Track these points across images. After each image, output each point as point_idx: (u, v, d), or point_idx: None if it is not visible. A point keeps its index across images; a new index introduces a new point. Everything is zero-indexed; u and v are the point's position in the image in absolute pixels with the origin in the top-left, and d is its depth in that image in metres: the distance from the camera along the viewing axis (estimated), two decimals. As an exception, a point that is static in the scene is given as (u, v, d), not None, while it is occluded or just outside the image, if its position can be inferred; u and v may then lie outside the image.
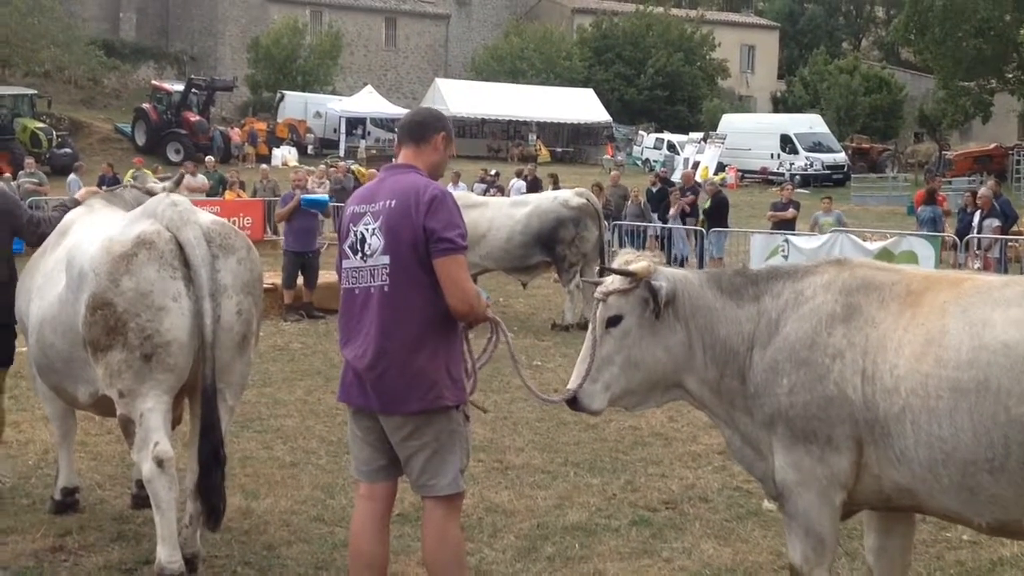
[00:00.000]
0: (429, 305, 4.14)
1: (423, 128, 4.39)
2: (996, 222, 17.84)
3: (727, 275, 4.42)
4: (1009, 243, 17.86)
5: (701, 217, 20.10)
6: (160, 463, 4.85)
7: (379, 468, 4.36)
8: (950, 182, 34.52)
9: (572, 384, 4.32)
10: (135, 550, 5.53)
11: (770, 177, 42.87)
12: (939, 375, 3.67)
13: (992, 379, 3.55)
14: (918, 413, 3.70)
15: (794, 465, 4.00)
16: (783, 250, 18.07)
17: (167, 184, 6.20)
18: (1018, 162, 39.60)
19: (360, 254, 4.23)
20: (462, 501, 4.44)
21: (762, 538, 5.94)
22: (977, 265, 17.08)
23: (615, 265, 4.41)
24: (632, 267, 4.33)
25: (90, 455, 7.26)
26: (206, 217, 5.26)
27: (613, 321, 4.30)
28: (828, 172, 43.59)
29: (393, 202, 4.18)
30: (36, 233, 6.18)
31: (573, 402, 4.32)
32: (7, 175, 22.69)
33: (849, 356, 3.91)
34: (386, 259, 4.16)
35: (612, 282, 4.34)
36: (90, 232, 5.39)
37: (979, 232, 17.77)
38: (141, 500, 5.90)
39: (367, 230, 4.22)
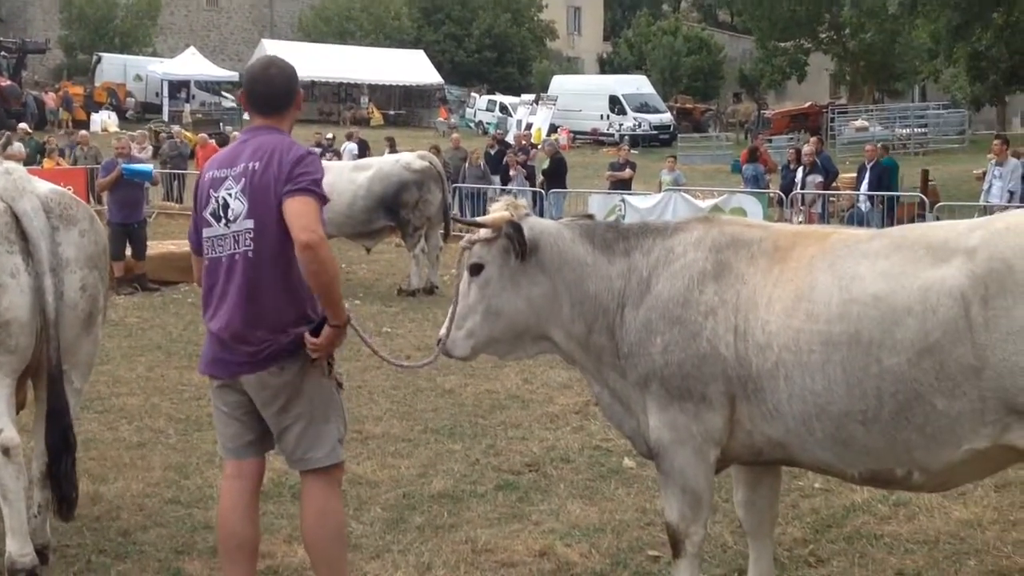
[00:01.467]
0: (295, 268, 3.94)
1: (287, 95, 4.15)
2: (819, 178, 18.56)
3: (600, 228, 4.41)
4: (830, 198, 18.62)
5: (540, 179, 20.24)
6: (6, 451, 4.55)
7: (247, 444, 4.18)
8: (770, 140, 35.82)
9: (441, 332, 4.36)
10: (-22, 544, 5.18)
11: (601, 138, 43.55)
12: (810, 329, 3.74)
13: (863, 331, 3.64)
14: (791, 368, 3.77)
15: (669, 424, 4.03)
16: (620, 210, 18.42)
17: None
18: (832, 120, 41.36)
19: (223, 220, 4.01)
20: (342, 473, 4.32)
21: (626, 496, 6.02)
22: (800, 219, 17.75)
23: (483, 216, 4.38)
24: (483, 218, 4.38)
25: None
26: (44, 186, 4.92)
27: (475, 269, 4.31)
28: (655, 132, 44.59)
29: (256, 164, 3.97)
30: None
31: (441, 347, 4.38)
32: None
33: (721, 313, 3.95)
34: (250, 223, 3.95)
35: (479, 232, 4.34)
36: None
37: (803, 188, 18.46)
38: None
39: (229, 195, 4.00)
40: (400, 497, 5.98)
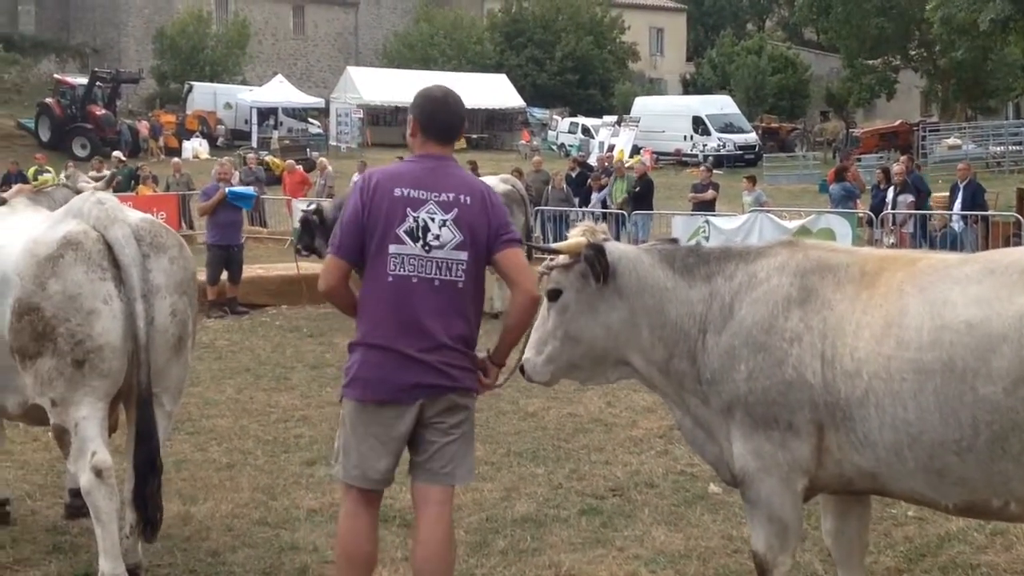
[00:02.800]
0: (483, 298, 4.31)
1: (462, 124, 4.33)
2: (910, 198, 18.18)
3: (681, 253, 4.37)
4: (922, 218, 18.22)
5: (619, 200, 20.18)
6: (99, 473, 4.65)
7: (390, 475, 4.18)
8: (859, 159, 35.21)
9: (524, 355, 4.40)
10: (73, 562, 5.32)
11: (684, 159, 43.30)
12: (901, 357, 3.65)
13: (956, 359, 3.54)
14: (881, 396, 3.68)
15: (754, 452, 3.96)
16: (704, 231, 18.25)
17: (99, 183, 5.95)
18: (923, 138, 40.54)
19: (422, 242, 4.03)
20: None
21: (712, 522, 5.93)
22: (891, 241, 17.41)
23: (557, 242, 4.42)
24: (560, 244, 4.40)
25: (16, 464, 6.98)
26: (135, 215, 5.05)
27: (553, 295, 4.31)
28: (740, 152, 44.17)
29: (469, 199, 4.08)
30: None
31: (523, 371, 4.43)
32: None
33: (807, 340, 3.87)
34: (464, 255, 4.06)
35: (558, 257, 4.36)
36: (12, 234, 5.13)
37: (893, 208, 18.10)
38: (75, 510, 5.70)
39: (431, 219, 4.04)
40: (483, 520, 5.97)
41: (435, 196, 4.07)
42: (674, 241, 4.91)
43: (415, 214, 4.04)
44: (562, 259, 4.33)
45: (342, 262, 4.12)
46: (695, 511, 6.14)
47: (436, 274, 4.04)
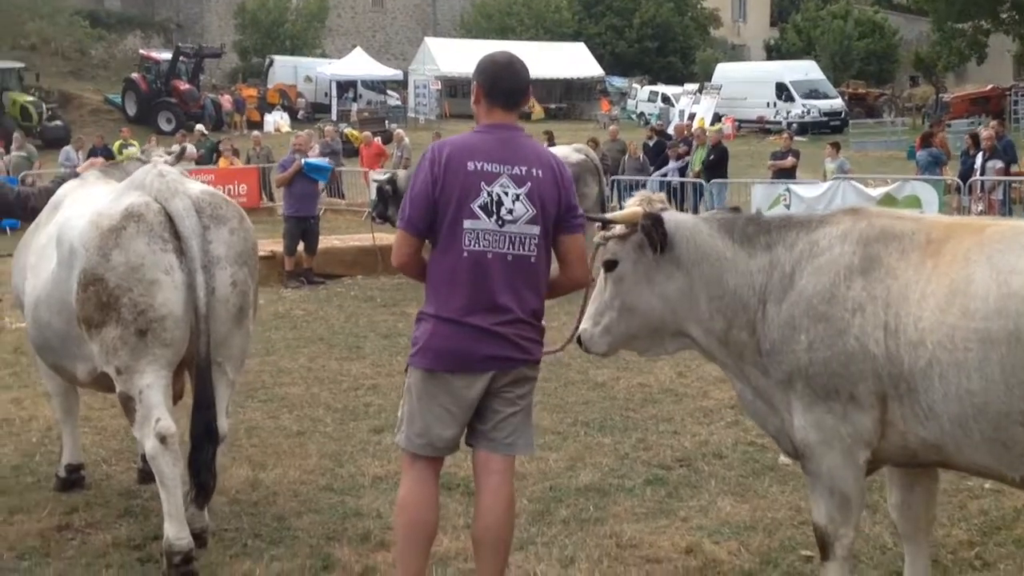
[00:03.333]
0: (549, 271, 4.25)
1: (528, 89, 4.26)
2: (999, 163, 17.65)
3: (740, 222, 4.26)
4: (1013, 184, 17.67)
5: (697, 168, 19.92)
6: (163, 439, 4.74)
7: (455, 443, 4.19)
8: (949, 125, 34.26)
9: (582, 326, 4.38)
10: (143, 526, 5.44)
11: (767, 126, 42.56)
12: (966, 326, 3.52)
13: (1023, 329, 3.41)
14: (945, 366, 3.56)
15: (816, 424, 3.87)
16: (785, 199, 17.90)
17: (170, 157, 6.02)
18: (1015, 103, 39.28)
19: (495, 217, 4.00)
20: None
21: (780, 493, 5.84)
22: (980, 208, 16.92)
23: (618, 210, 4.39)
24: (616, 214, 4.35)
25: (95, 429, 7.16)
26: (196, 187, 5.11)
27: (610, 265, 4.27)
28: (825, 119, 43.21)
29: (541, 172, 4.05)
30: (27, 208, 6.04)
31: (580, 342, 4.41)
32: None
33: (870, 309, 3.76)
34: (536, 230, 4.04)
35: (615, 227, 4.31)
36: (80, 207, 5.25)
37: (982, 174, 17.57)
38: (147, 474, 5.78)
39: (504, 193, 4.00)
40: (547, 489, 5.96)
41: (508, 169, 4.02)
42: (736, 210, 4.79)
43: (489, 188, 3.99)
44: (619, 229, 4.27)
45: (413, 237, 4.08)
46: (763, 482, 6.05)
47: (509, 249, 4.01)
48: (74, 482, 5.98)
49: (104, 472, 6.34)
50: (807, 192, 18.01)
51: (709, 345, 4.22)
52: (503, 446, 4.14)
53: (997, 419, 3.50)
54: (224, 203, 5.13)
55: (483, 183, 3.99)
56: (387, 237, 13.90)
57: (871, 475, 4.13)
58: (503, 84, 4.14)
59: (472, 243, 3.99)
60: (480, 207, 3.99)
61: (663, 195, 4.52)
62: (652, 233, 4.12)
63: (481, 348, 4.00)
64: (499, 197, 3.99)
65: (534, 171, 4.04)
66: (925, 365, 3.62)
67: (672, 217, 4.25)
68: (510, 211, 4.00)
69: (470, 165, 4.00)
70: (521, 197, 4.01)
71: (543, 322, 4.20)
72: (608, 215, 4.51)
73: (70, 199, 5.60)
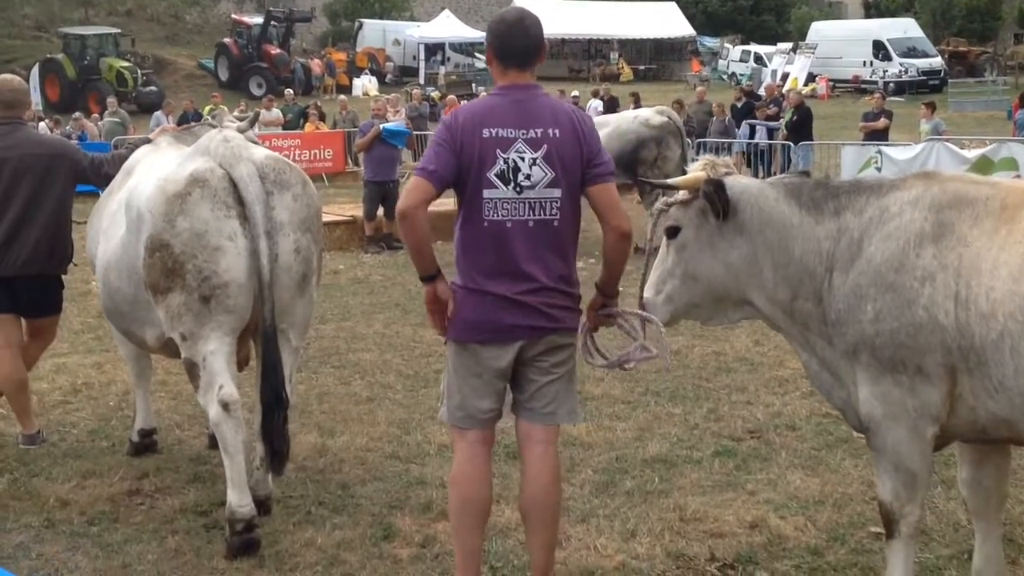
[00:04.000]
0: (579, 230, 4.13)
1: (542, 45, 4.06)
2: (1104, 123, 16.91)
3: (808, 187, 4.09)
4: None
5: (784, 131, 19.48)
6: (226, 406, 4.77)
7: (495, 415, 4.13)
8: (1053, 83, 32.99)
9: (644, 294, 4.24)
10: (211, 492, 5.50)
11: (863, 86, 41.46)
12: (1040, 298, 3.34)
13: (1098, 301, 3.22)
14: (1018, 339, 3.38)
15: (882, 397, 3.72)
16: (876, 162, 17.40)
17: (242, 124, 6.04)
18: None
19: (513, 184, 3.90)
20: None
21: (852, 468, 5.68)
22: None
23: (678, 177, 4.24)
24: (678, 179, 4.22)
25: (170, 394, 7.29)
26: (260, 152, 5.10)
27: (672, 232, 4.14)
28: (924, 78, 42.01)
29: (558, 131, 3.92)
30: (101, 174, 6.13)
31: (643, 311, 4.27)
32: (86, 114, 22.77)
33: (940, 279, 3.59)
34: (557, 192, 3.92)
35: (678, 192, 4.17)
36: (149, 172, 5.29)
37: (1086, 134, 16.86)
38: (217, 440, 5.89)
39: (520, 159, 3.90)
40: (613, 460, 5.89)
41: (523, 134, 3.90)
42: (806, 174, 4.64)
43: (504, 155, 3.89)
44: (681, 195, 4.14)
45: (430, 186, 3.89)
46: (835, 455, 5.90)
47: (529, 215, 3.91)
48: (146, 446, 6.09)
49: (176, 437, 6.44)
50: (899, 154, 17.47)
51: (774, 314, 4.09)
52: (542, 416, 4.08)
53: (1071, 397, 3.31)
54: (288, 168, 5.11)
55: (499, 150, 3.90)
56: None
57: (941, 450, 3.98)
58: (515, 42, 4.00)
59: (491, 213, 3.91)
60: (497, 175, 3.90)
61: (729, 160, 4.37)
62: (714, 199, 3.99)
63: (506, 317, 3.93)
64: (515, 163, 3.90)
65: (550, 131, 3.91)
66: (996, 337, 3.45)
67: (736, 182, 4.11)
68: (527, 176, 3.90)
69: (485, 132, 3.91)
70: (538, 161, 3.90)
71: (575, 288, 4.06)
72: (670, 180, 4.37)
73: (142, 164, 5.67)
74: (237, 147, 4.97)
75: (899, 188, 3.86)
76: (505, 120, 3.92)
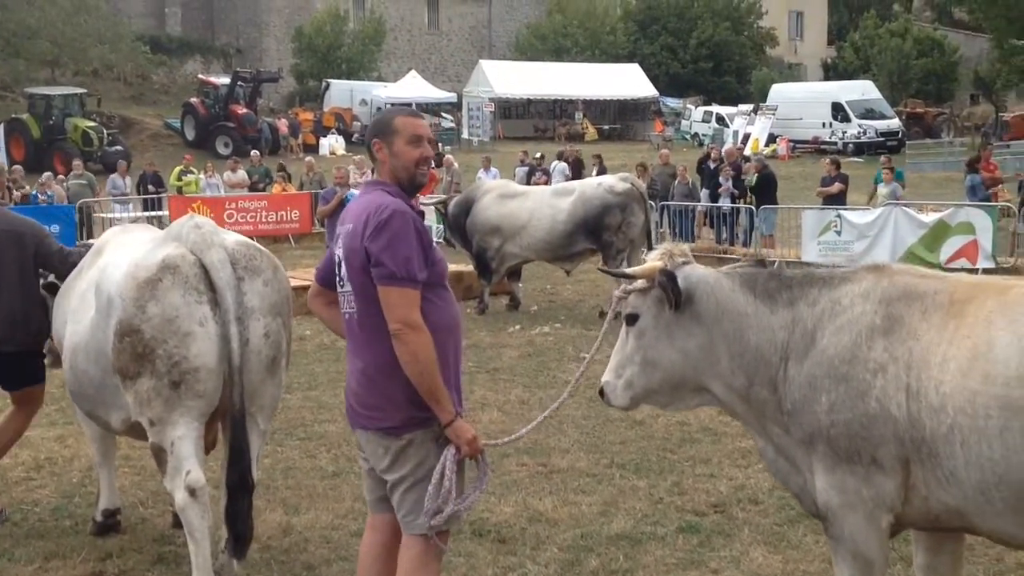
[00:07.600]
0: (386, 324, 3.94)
1: (368, 145, 4.23)
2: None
3: (763, 277, 4.22)
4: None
5: (748, 194, 19.77)
6: (192, 492, 4.80)
7: (379, 499, 4.21)
8: (1008, 145, 33.69)
9: (604, 377, 4.33)
10: (175, 574, 5.49)
11: (822, 147, 42.19)
12: (987, 392, 3.47)
13: (1045, 397, 3.35)
14: (967, 433, 3.51)
15: (838, 487, 3.83)
16: (836, 226, 17.74)
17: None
18: (1078, 122, 38.56)
19: (339, 279, 4.13)
20: (440, 548, 4.07)
21: (814, 544, 5.77)
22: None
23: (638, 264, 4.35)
24: (636, 268, 4.34)
25: (134, 470, 7.26)
26: (231, 238, 5.18)
27: (631, 319, 4.24)
28: (882, 139, 42.74)
29: (352, 227, 4.03)
30: (67, 263, 6.09)
31: (602, 395, 4.35)
32: (49, 183, 22.59)
33: (892, 371, 3.71)
34: (349, 288, 4.07)
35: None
36: (119, 255, 5.33)
37: (1039, 198, 17.26)
38: (181, 520, 5.89)
39: (339, 255, 4.11)
40: (578, 537, 5.94)
41: (343, 229, 4.09)
42: (760, 263, 4.75)
43: (338, 252, 4.12)
44: (640, 283, 4.25)
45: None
46: (798, 531, 5.98)
47: (346, 309, 4.10)
48: (110, 527, 6.07)
49: (140, 515, 6.42)
50: (858, 218, 17.83)
51: (731, 402, 4.19)
52: (402, 523, 4.08)
53: (1019, 488, 3.43)
54: (258, 254, 5.19)
55: (336, 247, 4.15)
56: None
57: (894, 537, 4.08)
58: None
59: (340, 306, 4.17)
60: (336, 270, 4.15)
61: (686, 248, 4.48)
62: (668, 290, 4.10)
63: (350, 402, 4.17)
64: (338, 258, 4.12)
65: (348, 226, 4.04)
66: (947, 431, 3.57)
67: (692, 272, 4.23)
68: (340, 275, 4.11)
69: (338, 229, 4.17)
70: (340, 258, 4.09)
71: (384, 385, 3.95)
72: (627, 270, 4.51)
73: (112, 244, 5.70)
74: (208, 233, 5.05)
75: (850, 280, 4.00)
76: (343, 218, 4.16)
